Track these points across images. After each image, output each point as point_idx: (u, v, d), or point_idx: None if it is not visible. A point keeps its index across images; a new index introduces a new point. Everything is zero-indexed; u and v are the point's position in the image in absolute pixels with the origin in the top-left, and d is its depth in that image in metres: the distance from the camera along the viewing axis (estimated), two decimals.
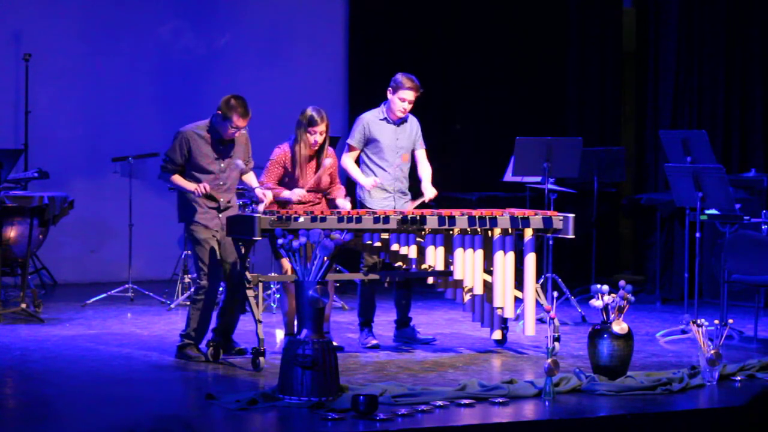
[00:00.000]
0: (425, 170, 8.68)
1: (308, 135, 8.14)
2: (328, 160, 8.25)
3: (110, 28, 11.85)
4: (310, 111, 8.14)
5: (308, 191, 8.22)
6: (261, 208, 7.80)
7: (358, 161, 8.61)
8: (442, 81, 12.56)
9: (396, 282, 8.64)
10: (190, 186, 7.89)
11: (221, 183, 7.96)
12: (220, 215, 7.95)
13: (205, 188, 7.84)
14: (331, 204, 8.35)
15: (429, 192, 8.57)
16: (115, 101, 11.89)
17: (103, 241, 11.94)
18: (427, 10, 12.70)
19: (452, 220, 8.03)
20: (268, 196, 8.00)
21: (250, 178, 8.15)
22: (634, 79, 13.10)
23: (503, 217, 8.15)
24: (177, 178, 7.95)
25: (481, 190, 12.16)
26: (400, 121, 8.57)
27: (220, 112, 7.84)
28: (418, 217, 7.94)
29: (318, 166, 8.24)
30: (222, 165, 7.96)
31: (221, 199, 7.96)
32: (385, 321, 9.58)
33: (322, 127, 8.13)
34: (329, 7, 12.62)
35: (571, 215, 8.35)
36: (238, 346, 8.02)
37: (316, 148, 8.20)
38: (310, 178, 8.22)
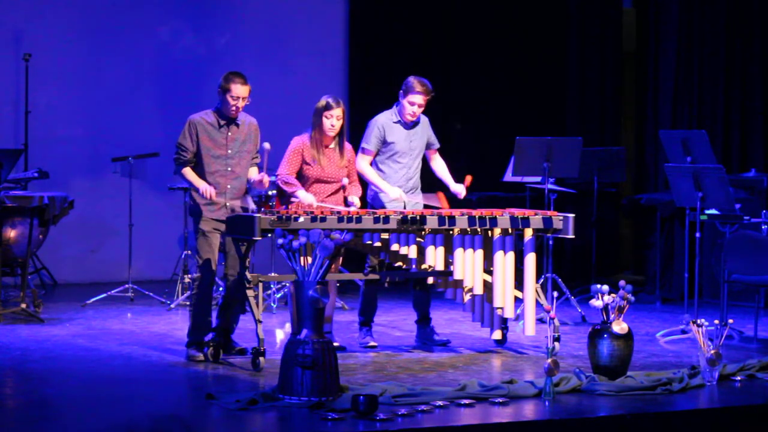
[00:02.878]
0: (443, 170, 8.67)
1: (324, 119, 8.15)
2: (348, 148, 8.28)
3: (110, 28, 11.85)
4: (325, 97, 8.21)
5: (330, 181, 8.22)
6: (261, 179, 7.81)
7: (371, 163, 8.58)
8: (442, 81, 12.50)
9: (413, 282, 8.63)
10: (199, 183, 7.87)
11: (229, 169, 7.95)
12: (228, 204, 7.94)
13: (211, 194, 7.82)
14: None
15: (461, 189, 8.54)
16: (115, 101, 11.89)
17: (103, 241, 11.94)
18: (426, 10, 12.70)
19: (452, 220, 8.03)
20: (265, 180, 7.99)
21: (252, 172, 8.09)
22: (634, 79, 13.10)
23: (503, 217, 8.15)
24: (188, 172, 7.93)
25: (481, 190, 12.13)
26: (413, 124, 8.56)
27: (220, 89, 7.85)
28: (418, 217, 7.94)
29: (341, 151, 8.23)
30: (230, 151, 7.95)
31: (228, 186, 7.94)
32: (386, 321, 9.59)
33: (338, 112, 8.14)
34: (329, 7, 12.62)
35: (571, 215, 8.35)
36: (238, 346, 8.01)
37: (333, 134, 8.20)
38: (329, 166, 8.21)
